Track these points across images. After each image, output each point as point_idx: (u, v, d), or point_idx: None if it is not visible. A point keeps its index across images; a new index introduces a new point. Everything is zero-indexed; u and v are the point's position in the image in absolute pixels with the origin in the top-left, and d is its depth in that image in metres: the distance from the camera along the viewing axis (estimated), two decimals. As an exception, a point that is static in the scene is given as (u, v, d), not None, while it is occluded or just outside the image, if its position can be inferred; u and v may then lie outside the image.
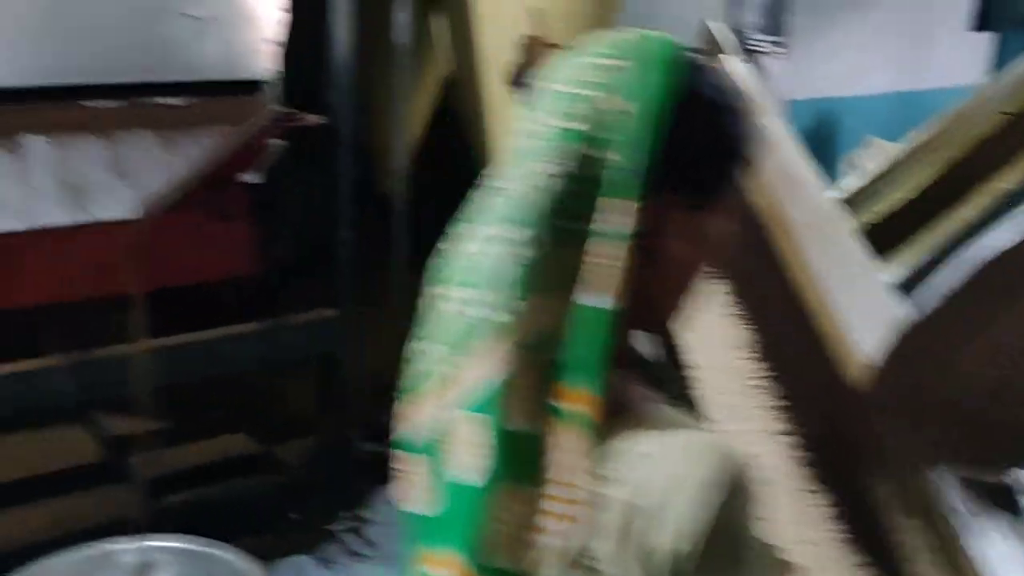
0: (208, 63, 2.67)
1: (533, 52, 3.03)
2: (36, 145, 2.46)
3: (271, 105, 2.78)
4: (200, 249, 2.96)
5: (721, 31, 2.85)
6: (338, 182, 3.09)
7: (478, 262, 0.92)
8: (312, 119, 2.95)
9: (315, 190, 3.14)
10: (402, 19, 3.41)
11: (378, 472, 3.53)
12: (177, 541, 2.49)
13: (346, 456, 3.35)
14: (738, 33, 3.55)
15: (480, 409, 0.88)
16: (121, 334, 2.82)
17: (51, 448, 3.28)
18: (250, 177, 2.93)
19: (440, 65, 4.36)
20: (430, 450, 0.93)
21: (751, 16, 4.27)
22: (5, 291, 2.65)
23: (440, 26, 4.06)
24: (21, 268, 2.62)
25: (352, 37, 2.96)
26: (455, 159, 4.64)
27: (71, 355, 2.80)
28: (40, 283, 2.73)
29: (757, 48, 4.33)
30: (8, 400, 2.73)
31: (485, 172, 1.02)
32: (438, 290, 0.96)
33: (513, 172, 0.93)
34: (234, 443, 3.32)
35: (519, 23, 3.18)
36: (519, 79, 3.08)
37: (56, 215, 2.40)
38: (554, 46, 3.07)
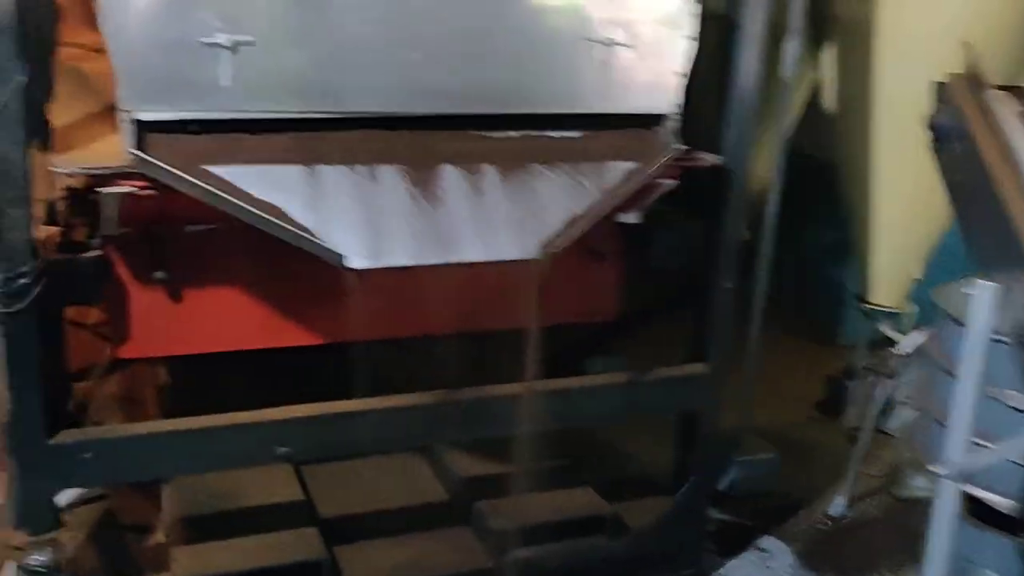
0: (608, 95, 2.48)
1: (962, 91, 2.61)
2: (445, 176, 2.35)
3: (671, 142, 2.54)
4: (570, 290, 2.76)
5: None
6: (723, 227, 2.80)
7: None
8: (709, 159, 2.69)
9: (695, 234, 2.87)
10: (793, 51, 3.10)
11: (725, 543, 3.22)
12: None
13: (696, 525, 3.05)
14: None
15: None
16: (487, 375, 2.68)
17: (399, 484, 3.21)
18: (628, 217, 2.70)
19: (801, 100, 4.01)
20: None
21: None
22: (382, 323, 2.56)
23: (825, 58, 3.71)
24: (402, 301, 2.52)
25: (756, 71, 2.68)
26: (810, 205, 4.25)
27: (430, 393, 2.68)
28: (421, 317, 2.64)
29: None
30: (363, 433, 2.63)
31: None
32: None
33: None
34: (580, 499, 3.11)
35: (938, 58, 2.79)
36: (938, 121, 2.67)
37: (458, 250, 2.27)
38: (989, 86, 2.66)
